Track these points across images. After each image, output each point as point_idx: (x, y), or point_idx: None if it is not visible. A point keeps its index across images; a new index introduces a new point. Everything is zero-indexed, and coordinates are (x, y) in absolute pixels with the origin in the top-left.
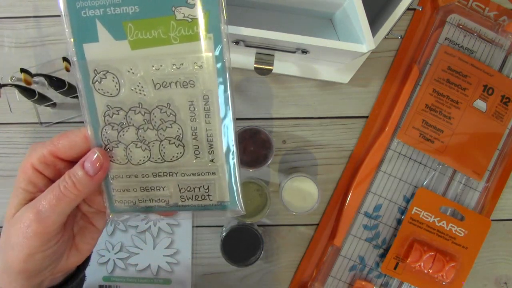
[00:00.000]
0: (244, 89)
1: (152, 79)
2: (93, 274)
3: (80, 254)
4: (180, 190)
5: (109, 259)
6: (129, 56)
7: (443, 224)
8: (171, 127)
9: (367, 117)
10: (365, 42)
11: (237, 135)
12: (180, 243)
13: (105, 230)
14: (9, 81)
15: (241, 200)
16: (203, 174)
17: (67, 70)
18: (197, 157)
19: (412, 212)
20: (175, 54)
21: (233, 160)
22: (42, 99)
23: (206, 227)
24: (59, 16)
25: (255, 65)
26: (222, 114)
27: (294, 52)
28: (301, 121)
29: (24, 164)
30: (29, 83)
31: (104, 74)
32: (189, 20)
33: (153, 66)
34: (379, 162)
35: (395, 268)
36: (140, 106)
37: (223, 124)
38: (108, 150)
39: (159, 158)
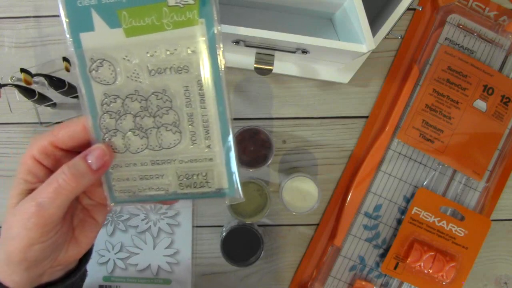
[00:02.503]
0: (244, 89)
1: (147, 66)
2: (93, 274)
3: (79, 247)
4: (178, 178)
5: (109, 259)
6: (124, 44)
7: (443, 224)
8: (168, 114)
9: (367, 117)
10: (365, 42)
11: (232, 121)
12: (180, 243)
13: (105, 230)
14: (9, 81)
15: (240, 187)
16: (200, 160)
17: (67, 70)
18: (194, 143)
19: (412, 212)
20: (168, 40)
21: (230, 146)
22: (42, 99)
23: (206, 227)
24: (59, 16)
25: (255, 65)
26: (216, 99)
27: (294, 52)
28: (301, 121)
29: (25, 155)
30: (29, 83)
31: (100, 62)
32: (181, 5)
33: (147, 53)
34: (379, 162)
35: (395, 268)
36: (137, 94)
37: (218, 109)
38: (106, 139)
39: (156, 146)
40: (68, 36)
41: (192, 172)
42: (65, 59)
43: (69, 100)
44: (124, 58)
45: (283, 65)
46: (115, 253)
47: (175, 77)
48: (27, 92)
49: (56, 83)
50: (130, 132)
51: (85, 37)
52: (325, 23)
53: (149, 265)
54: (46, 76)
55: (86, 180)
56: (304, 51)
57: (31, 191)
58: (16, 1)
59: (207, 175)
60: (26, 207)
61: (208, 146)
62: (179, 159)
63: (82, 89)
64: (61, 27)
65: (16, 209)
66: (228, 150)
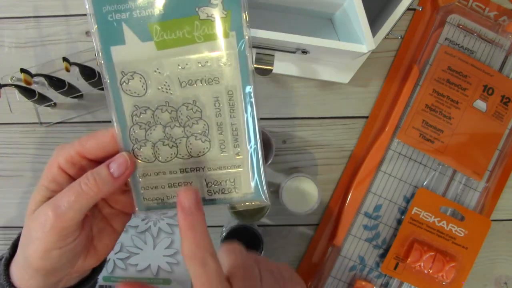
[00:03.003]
0: None
1: (178, 78)
2: None
3: (97, 255)
4: (207, 185)
5: (109, 259)
6: (155, 57)
7: (443, 224)
8: (197, 123)
9: (367, 117)
10: (365, 42)
11: (259, 125)
12: (180, 243)
13: None
14: (9, 81)
15: (266, 191)
16: (229, 167)
17: (67, 70)
18: (223, 151)
19: (412, 212)
20: (199, 52)
21: (258, 152)
22: (42, 99)
23: (207, 227)
24: (59, 16)
25: (255, 65)
26: (245, 108)
27: (294, 52)
28: (301, 121)
29: (50, 163)
30: (29, 83)
31: (131, 75)
32: (212, 19)
33: (178, 65)
34: (379, 162)
35: (395, 268)
36: (167, 105)
37: (246, 118)
38: (136, 149)
39: (186, 154)
40: (99, 49)
41: (221, 179)
42: (65, 59)
43: (69, 100)
44: (155, 71)
45: (283, 65)
46: (115, 253)
47: (206, 88)
48: (27, 92)
49: (56, 83)
50: (159, 142)
51: (116, 50)
52: (325, 23)
53: (149, 265)
54: (46, 76)
55: (107, 187)
56: (304, 51)
57: (51, 198)
58: (16, 1)
59: (235, 181)
60: (44, 211)
61: (237, 154)
62: (208, 166)
63: (111, 102)
64: (61, 27)
65: (35, 213)
66: (255, 156)
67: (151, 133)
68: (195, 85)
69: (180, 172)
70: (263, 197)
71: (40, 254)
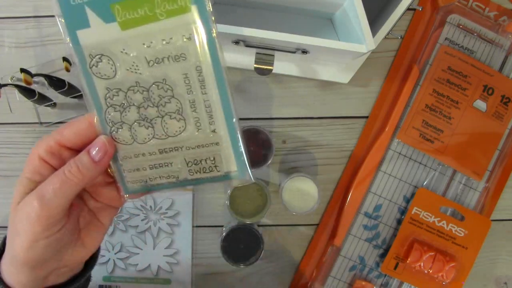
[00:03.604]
0: (244, 89)
1: (145, 57)
2: (93, 274)
3: (86, 249)
4: (187, 164)
5: (109, 259)
6: (121, 37)
7: (443, 224)
8: (170, 102)
9: (367, 117)
10: (365, 42)
11: (235, 103)
12: (180, 243)
13: None
14: (9, 81)
15: (249, 168)
16: (207, 145)
17: (67, 70)
18: (199, 129)
19: (412, 212)
20: (163, 29)
21: (235, 128)
22: (42, 99)
23: (206, 227)
24: (54, 16)
25: (255, 65)
26: (217, 83)
27: (294, 52)
28: (301, 121)
29: (31, 155)
30: (29, 83)
31: (99, 58)
32: None
33: (144, 44)
34: (379, 162)
35: (395, 268)
36: (138, 85)
37: (219, 93)
38: (113, 132)
39: (163, 135)
40: (65, 35)
41: (200, 157)
42: (65, 59)
43: (69, 100)
44: (122, 52)
45: (283, 65)
46: (115, 253)
47: (174, 65)
48: (27, 92)
49: (56, 83)
50: (135, 123)
51: (82, 34)
52: (325, 23)
53: (149, 265)
54: (46, 76)
55: (90, 172)
56: (304, 51)
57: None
58: (16, 1)
59: (215, 159)
60: (29, 201)
61: (213, 131)
62: (186, 145)
63: (84, 86)
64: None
65: (19, 205)
66: (233, 132)
67: (126, 115)
68: (163, 63)
69: (159, 152)
70: (246, 175)
71: (26, 245)
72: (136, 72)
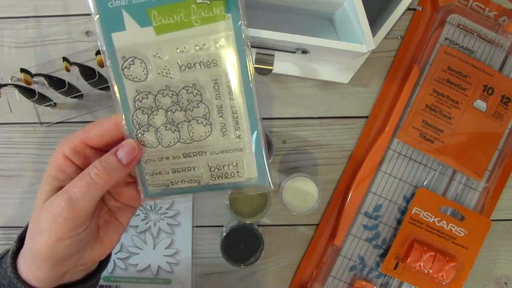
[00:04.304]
0: None
1: (177, 62)
2: None
3: (103, 247)
4: (210, 169)
5: None
6: (155, 41)
7: (443, 224)
8: (198, 107)
9: (367, 117)
10: (365, 42)
11: (260, 111)
12: (180, 243)
13: None
14: (9, 81)
15: (269, 176)
16: (231, 151)
17: (67, 70)
18: (224, 134)
19: (412, 212)
20: (197, 35)
21: (259, 135)
22: (42, 99)
23: (206, 227)
24: (59, 16)
25: (255, 65)
26: (244, 90)
27: (294, 52)
28: (301, 121)
29: (56, 154)
30: (29, 83)
31: (132, 61)
32: (208, 2)
33: (177, 49)
34: (379, 162)
35: (395, 268)
36: (168, 89)
37: (246, 100)
38: (139, 134)
39: (188, 139)
40: (100, 36)
41: (223, 163)
42: (65, 59)
43: (69, 100)
44: (155, 55)
45: (283, 65)
46: (115, 253)
47: (205, 71)
48: (27, 92)
49: (56, 83)
50: (162, 127)
51: (116, 36)
52: (325, 23)
53: (149, 265)
54: (46, 76)
55: (117, 175)
56: (304, 51)
57: (60, 188)
58: (16, 1)
59: (237, 165)
60: (56, 201)
61: (238, 137)
62: (210, 150)
63: (114, 87)
64: (61, 26)
65: (46, 204)
66: (257, 139)
67: (153, 118)
68: (194, 68)
69: (183, 156)
70: (267, 182)
71: (51, 243)
72: (167, 76)
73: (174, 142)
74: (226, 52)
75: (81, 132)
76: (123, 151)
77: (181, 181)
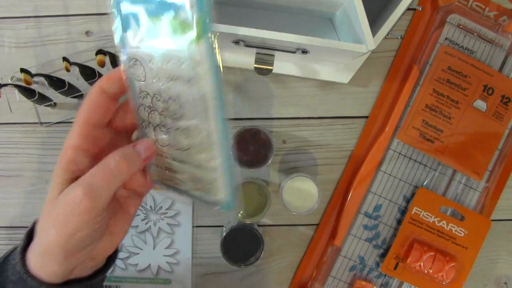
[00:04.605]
0: (244, 89)
1: (165, 72)
2: None
3: (112, 239)
4: (192, 179)
5: None
6: (151, 49)
7: (443, 224)
8: (180, 120)
9: (367, 117)
10: (365, 42)
11: (232, 135)
12: (180, 243)
13: None
14: (9, 81)
15: (237, 201)
16: (206, 169)
17: (67, 70)
18: (200, 152)
19: (412, 212)
20: (179, 51)
21: (230, 158)
22: (42, 99)
23: (206, 227)
24: (59, 16)
25: (255, 65)
26: (218, 112)
27: (294, 52)
28: (301, 121)
29: (64, 147)
30: (29, 83)
31: (134, 62)
32: (188, 22)
33: (164, 59)
34: (379, 162)
35: (395, 268)
36: (159, 95)
37: (220, 122)
38: (144, 127)
39: (175, 145)
40: (117, 35)
41: (200, 178)
42: (65, 59)
43: (69, 100)
44: (149, 62)
45: (283, 65)
46: None
47: (185, 87)
48: (27, 92)
49: (56, 83)
50: (158, 127)
51: (127, 36)
52: (325, 23)
53: (149, 265)
54: (46, 76)
55: (135, 167)
56: (304, 51)
57: (72, 180)
58: (16, 1)
59: (211, 184)
60: (73, 193)
61: (212, 158)
62: (190, 162)
63: (128, 82)
64: (61, 26)
65: (61, 197)
66: (228, 162)
67: (151, 117)
68: (178, 81)
69: (172, 159)
70: (234, 207)
71: (68, 234)
72: (158, 84)
73: (166, 143)
74: (201, 74)
75: (77, 116)
76: (141, 146)
77: (171, 180)
